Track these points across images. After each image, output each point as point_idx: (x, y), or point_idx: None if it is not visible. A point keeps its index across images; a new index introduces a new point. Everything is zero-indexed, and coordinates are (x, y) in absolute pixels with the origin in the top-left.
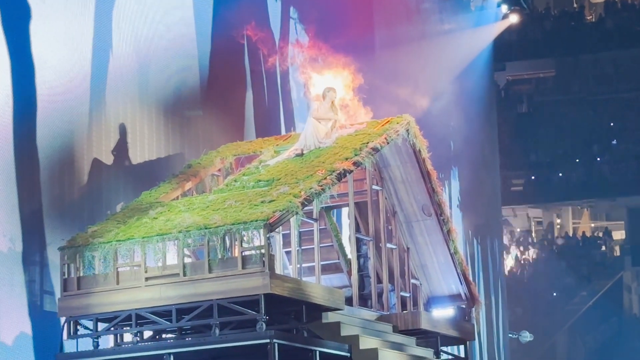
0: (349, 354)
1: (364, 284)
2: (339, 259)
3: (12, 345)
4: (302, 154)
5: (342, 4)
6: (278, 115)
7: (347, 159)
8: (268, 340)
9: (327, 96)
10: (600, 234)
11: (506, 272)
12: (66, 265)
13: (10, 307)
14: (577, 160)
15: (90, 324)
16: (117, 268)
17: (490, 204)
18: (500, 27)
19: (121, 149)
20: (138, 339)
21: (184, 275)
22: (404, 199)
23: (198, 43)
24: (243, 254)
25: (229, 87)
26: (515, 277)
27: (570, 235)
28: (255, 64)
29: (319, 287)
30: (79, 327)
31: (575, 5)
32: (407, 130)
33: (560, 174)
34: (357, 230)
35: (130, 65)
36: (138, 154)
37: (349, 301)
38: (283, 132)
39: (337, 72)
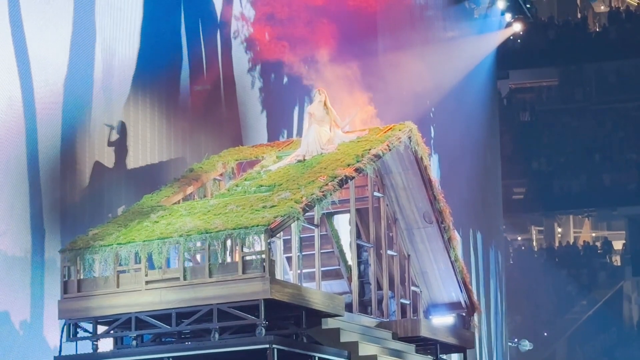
0: None
1: (364, 290)
2: (339, 265)
3: None
4: (304, 160)
5: (347, 10)
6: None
7: (348, 165)
8: (267, 346)
9: (316, 99)
10: (601, 244)
11: None
12: (67, 267)
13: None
14: (579, 170)
15: (89, 327)
16: (117, 271)
17: (491, 212)
18: (503, 35)
19: (121, 148)
20: (137, 342)
21: (184, 279)
22: (405, 206)
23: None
24: (244, 259)
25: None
26: (516, 285)
27: (571, 244)
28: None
29: (319, 293)
30: (78, 329)
31: (578, 14)
32: (409, 138)
33: (562, 183)
34: (358, 236)
35: (133, 68)
36: (140, 157)
37: (348, 307)
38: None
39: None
